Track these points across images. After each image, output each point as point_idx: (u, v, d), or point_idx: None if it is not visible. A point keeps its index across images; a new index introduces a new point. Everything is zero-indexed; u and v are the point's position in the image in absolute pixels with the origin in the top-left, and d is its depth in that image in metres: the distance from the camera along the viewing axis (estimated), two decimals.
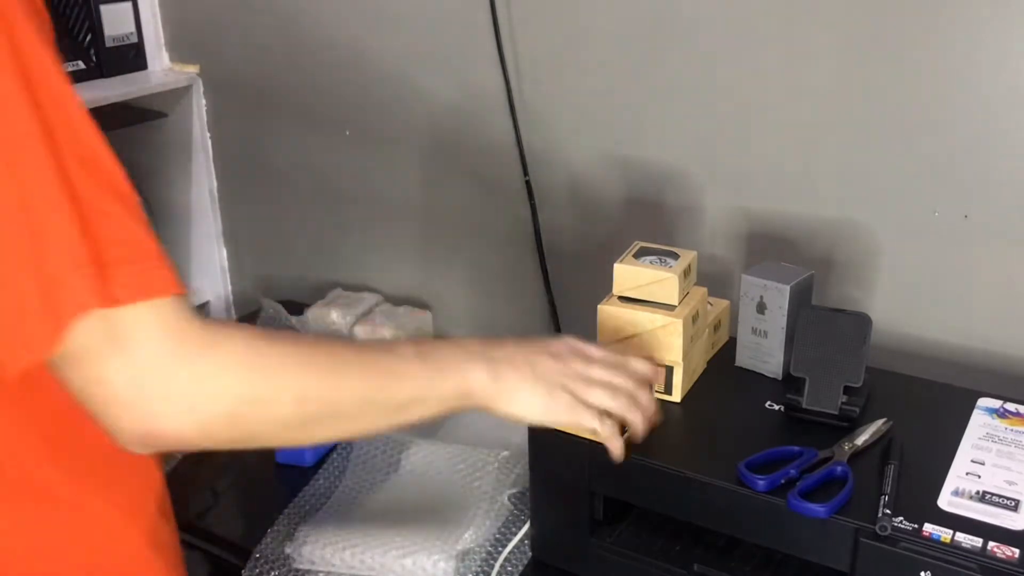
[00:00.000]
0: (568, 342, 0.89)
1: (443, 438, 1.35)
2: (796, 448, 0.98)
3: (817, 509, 0.90)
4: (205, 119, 1.86)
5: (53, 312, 0.63)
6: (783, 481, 0.93)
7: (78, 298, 0.63)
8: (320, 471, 1.31)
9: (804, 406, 1.04)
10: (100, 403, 0.66)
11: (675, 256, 1.12)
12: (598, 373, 0.87)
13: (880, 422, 1.03)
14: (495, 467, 1.26)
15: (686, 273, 1.11)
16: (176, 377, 0.66)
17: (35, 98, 0.64)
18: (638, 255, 1.13)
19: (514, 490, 1.24)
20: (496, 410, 0.84)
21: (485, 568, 1.13)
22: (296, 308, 1.88)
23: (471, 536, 1.15)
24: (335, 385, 0.74)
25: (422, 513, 1.20)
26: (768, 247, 1.36)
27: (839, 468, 0.95)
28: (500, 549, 1.14)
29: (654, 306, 1.10)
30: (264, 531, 1.20)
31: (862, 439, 1.00)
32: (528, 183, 1.53)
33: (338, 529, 1.17)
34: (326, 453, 1.35)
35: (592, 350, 0.89)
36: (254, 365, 0.70)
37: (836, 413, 1.04)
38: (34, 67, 0.64)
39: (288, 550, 1.15)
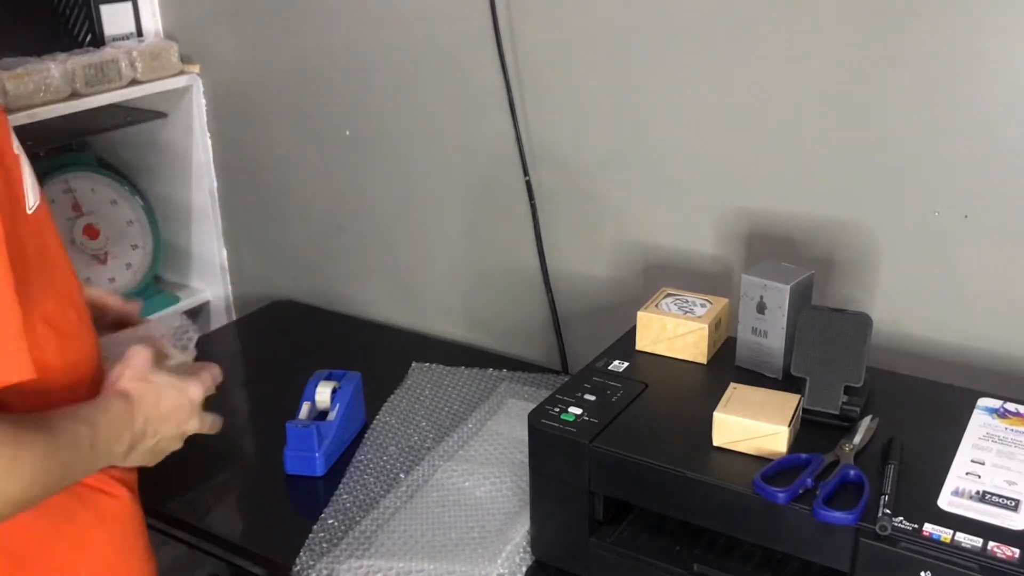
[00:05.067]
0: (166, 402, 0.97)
1: (458, 458, 1.34)
2: (803, 456, 0.97)
3: (845, 517, 0.89)
4: (205, 119, 1.86)
5: None
6: (801, 491, 0.93)
7: None
8: (342, 486, 1.30)
9: (805, 406, 1.04)
10: None
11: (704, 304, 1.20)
12: (177, 429, 0.99)
13: (867, 419, 1.03)
14: (523, 488, 1.25)
15: (716, 325, 1.19)
16: None
17: None
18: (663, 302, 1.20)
19: None
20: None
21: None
22: (295, 308, 1.88)
23: (506, 556, 1.14)
24: (32, 493, 0.82)
25: (453, 532, 1.20)
26: (768, 247, 1.36)
27: (852, 472, 0.95)
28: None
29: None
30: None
31: (858, 438, 1.00)
32: (528, 183, 1.53)
33: (375, 552, 1.16)
34: (336, 462, 1.36)
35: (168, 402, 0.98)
36: None
37: (837, 413, 1.04)
38: None
39: (325, 571, 1.14)
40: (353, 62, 1.66)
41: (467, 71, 1.54)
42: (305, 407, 1.36)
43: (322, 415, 1.37)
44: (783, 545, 0.96)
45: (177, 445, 1.00)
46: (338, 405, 1.36)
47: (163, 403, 0.95)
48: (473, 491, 1.27)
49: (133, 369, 0.94)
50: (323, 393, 1.37)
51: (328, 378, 1.39)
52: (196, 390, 0.99)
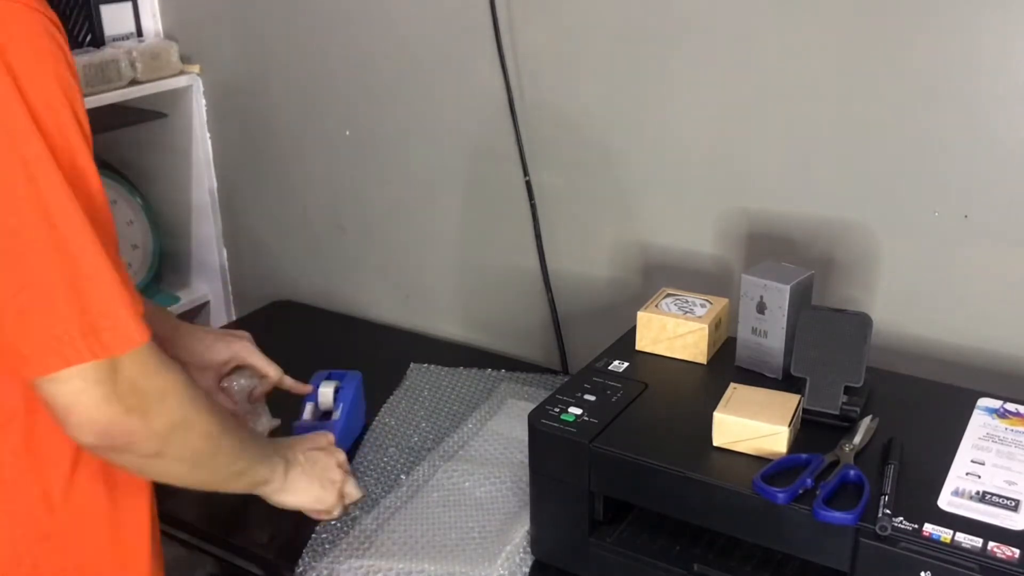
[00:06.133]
0: (324, 445, 1.18)
1: (458, 458, 1.34)
2: (803, 456, 0.97)
3: (845, 517, 0.89)
4: (205, 119, 1.86)
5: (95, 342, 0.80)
6: (801, 491, 0.93)
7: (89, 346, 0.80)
8: None
9: (805, 406, 1.04)
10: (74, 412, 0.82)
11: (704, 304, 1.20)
12: (336, 475, 1.15)
13: (867, 419, 1.03)
14: (523, 488, 1.24)
15: (716, 325, 1.19)
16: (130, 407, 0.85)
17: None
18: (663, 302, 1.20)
19: None
20: (273, 499, 1.09)
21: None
22: (295, 308, 1.88)
23: (506, 556, 1.14)
24: (225, 438, 0.97)
25: (453, 532, 1.20)
26: (768, 247, 1.36)
27: (852, 472, 0.95)
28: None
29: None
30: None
31: (858, 438, 1.00)
32: (528, 183, 1.53)
33: (375, 552, 1.16)
34: None
35: (333, 451, 1.18)
36: (187, 410, 0.91)
37: (837, 413, 1.04)
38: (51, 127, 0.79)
39: (325, 571, 1.14)
40: (353, 62, 1.66)
41: (467, 71, 1.54)
42: (308, 408, 1.37)
43: (326, 415, 1.37)
44: (783, 545, 0.96)
45: (331, 494, 1.14)
46: (341, 405, 1.36)
47: (316, 465, 1.13)
48: (473, 491, 1.27)
49: (313, 442, 1.16)
50: (326, 394, 1.37)
51: (329, 378, 1.39)
52: (338, 474, 1.15)
